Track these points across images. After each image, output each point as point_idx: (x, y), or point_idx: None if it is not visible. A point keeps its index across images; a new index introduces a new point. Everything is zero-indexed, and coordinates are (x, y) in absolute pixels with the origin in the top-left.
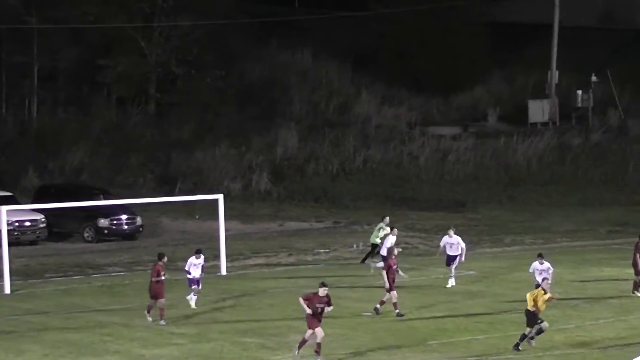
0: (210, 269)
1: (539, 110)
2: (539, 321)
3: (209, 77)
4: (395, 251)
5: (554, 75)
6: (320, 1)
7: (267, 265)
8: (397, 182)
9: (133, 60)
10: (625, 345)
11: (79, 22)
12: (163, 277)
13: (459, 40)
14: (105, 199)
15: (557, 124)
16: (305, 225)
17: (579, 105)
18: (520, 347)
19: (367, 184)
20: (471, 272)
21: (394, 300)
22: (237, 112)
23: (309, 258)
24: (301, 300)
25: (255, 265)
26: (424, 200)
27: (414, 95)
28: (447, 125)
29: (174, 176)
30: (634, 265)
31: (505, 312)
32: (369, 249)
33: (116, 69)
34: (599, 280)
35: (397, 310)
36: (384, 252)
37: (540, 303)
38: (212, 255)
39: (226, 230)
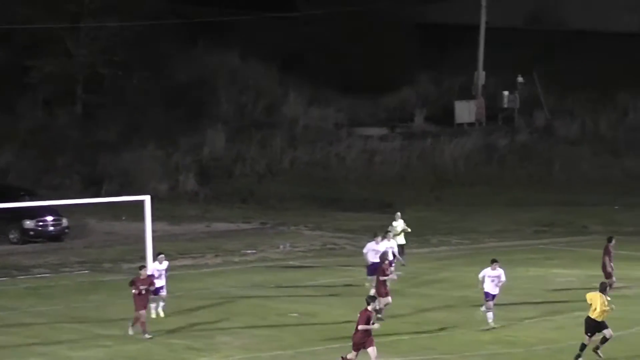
0: (136, 270)
1: (465, 111)
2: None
3: (136, 78)
4: (390, 256)
5: (481, 76)
6: (248, 2)
7: (194, 266)
8: (324, 182)
9: (60, 61)
10: (551, 345)
11: (6, 23)
12: (142, 289)
13: (386, 42)
14: (31, 200)
15: (484, 124)
16: (232, 226)
17: (506, 106)
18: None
19: (294, 184)
20: (398, 273)
21: (382, 306)
22: (164, 113)
23: (236, 259)
24: (366, 327)
25: (182, 266)
26: (351, 201)
27: (341, 96)
28: (374, 126)
29: (100, 177)
30: (603, 268)
31: (432, 312)
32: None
33: (43, 70)
34: (526, 281)
35: (379, 315)
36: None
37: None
38: (139, 257)
39: (153, 231)
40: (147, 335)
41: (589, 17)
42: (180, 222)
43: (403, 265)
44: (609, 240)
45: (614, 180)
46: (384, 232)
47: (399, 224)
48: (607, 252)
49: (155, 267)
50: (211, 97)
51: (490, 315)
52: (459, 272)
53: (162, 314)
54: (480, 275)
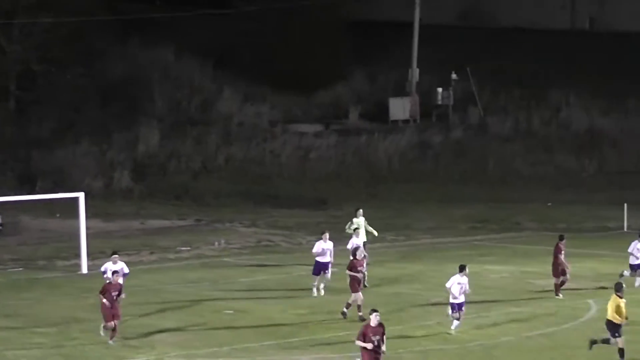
0: (70, 267)
1: (400, 108)
2: (617, 334)
3: (70, 74)
4: (362, 252)
5: (415, 73)
6: None
7: (129, 263)
8: (259, 179)
9: None
10: (485, 341)
11: None
12: (113, 295)
13: (321, 38)
14: None
15: (418, 121)
16: (167, 223)
17: (440, 102)
18: None
19: (229, 181)
20: (334, 270)
21: (359, 303)
22: (98, 109)
23: (171, 256)
24: (359, 343)
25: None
26: (286, 198)
27: (276, 93)
28: (309, 122)
29: (34, 174)
30: (554, 267)
31: (367, 308)
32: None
33: None
34: None
35: (360, 313)
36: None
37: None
38: (73, 254)
39: (87, 228)
40: (110, 341)
41: (522, 15)
42: (115, 219)
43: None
44: (560, 238)
45: (547, 177)
46: (327, 229)
47: (360, 221)
48: (557, 250)
49: (109, 267)
50: (145, 93)
51: (456, 323)
52: (393, 268)
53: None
54: (449, 284)
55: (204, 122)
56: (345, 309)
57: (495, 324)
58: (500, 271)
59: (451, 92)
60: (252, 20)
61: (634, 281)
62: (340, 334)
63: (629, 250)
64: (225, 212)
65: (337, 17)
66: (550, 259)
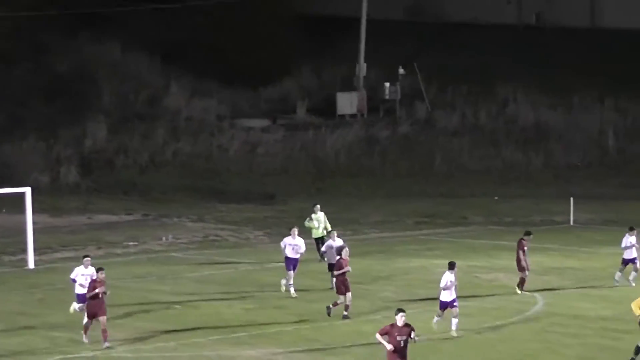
0: (17, 262)
1: (347, 103)
2: None
3: (17, 69)
4: (346, 251)
5: (362, 68)
6: None
7: (76, 258)
8: (206, 174)
9: None
10: (433, 335)
11: None
12: (98, 292)
13: (269, 33)
14: None
15: (365, 116)
16: (114, 218)
17: (387, 97)
18: None
19: (176, 176)
20: (281, 264)
21: (348, 302)
22: (45, 104)
23: (119, 251)
24: (378, 336)
25: (64, 258)
26: (234, 193)
27: (223, 87)
28: (257, 117)
29: None
30: (518, 262)
31: (315, 303)
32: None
33: None
34: (407, 272)
35: (345, 313)
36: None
37: None
38: (20, 249)
39: (34, 223)
40: (85, 340)
41: (469, 10)
42: (62, 214)
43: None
44: (527, 234)
45: (494, 171)
46: (295, 225)
47: (319, 216)
48: (520, 246)
49: (80, 272)
50: (93, 88)
51: (436, 319)
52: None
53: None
54: (442, 283)
55: (152, 117)
56: (331, 306)
57: (442, 319)
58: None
59: (398, 87)
60: (199, 15)
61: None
62: (288, 328)
63: (622, 246)
64: (172, 206)
65: (285, 12)
66: (501, 253)
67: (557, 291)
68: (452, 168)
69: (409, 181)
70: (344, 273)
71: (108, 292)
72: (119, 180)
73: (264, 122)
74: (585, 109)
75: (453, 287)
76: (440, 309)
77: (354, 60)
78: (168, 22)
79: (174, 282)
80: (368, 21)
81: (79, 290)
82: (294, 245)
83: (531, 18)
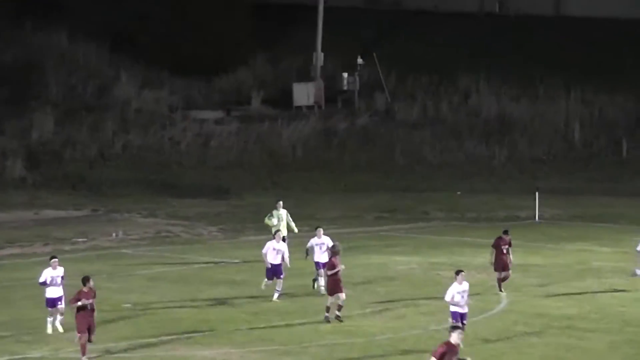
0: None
1: (304, 94)
2: None
3: None
4: (338, 247)
5: (320, 58)
6: None
7: (22, 255)
8: (158, 168)
9: None
10: (392, 334)
11: None
12: (82, 304)
13: (222, 21)
14: None
15: (323, 107)
16: (62, 213)
17: (345, 88)
18: None
19: (126, 170)
20: (235, 261)
21: (341, 303)
22: None
23: (67, 248)
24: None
25: (10, 255)
26: (186, 187)
27: (175, 78)
28: (210, 109)
29: None
30: (496, 261)
31: (270, 301)
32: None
33: None
34: (367, 268)
35: (337, 312)
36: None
37: None
38: None
39: None
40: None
41: None
42: (7, 209)
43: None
44: (505, 233)
45: (456, 164)
46: (279, 229)
47: (282, 214)
48: (496, 245)
49: (49, 274)
50: (39, 78)
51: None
52: (296, 260)
53: (60, 329)
54: (449, 296)
55: (100, 108)
56: (338, 313)
57: (402, 317)
58: (408, 262)
59: (357, 77)
60: (149, 2)
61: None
62: (243, 327)
63: (638, 248)
64: (122, 201)
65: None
66: (463, 250)
67: (521, 289)
68: (413, 161)
69: (368, 175)
70: (336, 272)
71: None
72: (67, 174)
73: (217, 114)
74: (551, 100)
75: (465, 300)
76: (454, 320)
77: (311, 50)
78: (117, 8)
79: (125, 280)
80: (325, 9)
81: (50, 294)
82: (278, 250)
83: (494, 6)
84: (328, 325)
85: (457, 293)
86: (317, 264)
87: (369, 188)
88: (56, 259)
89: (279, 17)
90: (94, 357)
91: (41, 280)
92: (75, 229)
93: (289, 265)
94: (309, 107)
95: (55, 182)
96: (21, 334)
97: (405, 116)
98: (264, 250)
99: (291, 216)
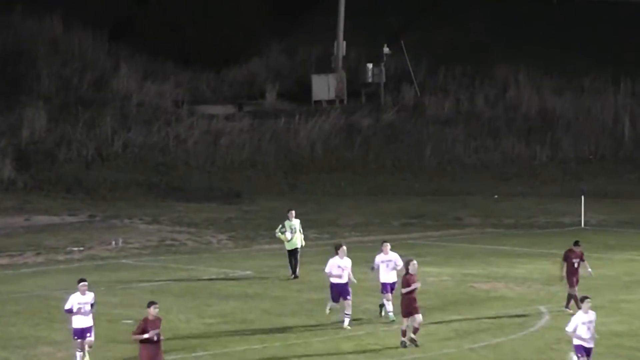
0: None
1: (324, 87)
2: None
3: None
4: (414, 265)
5: (341, 47)
6: None
7: (12, 266)
8: (162, 169)
9: None
10: (421, 354)
11: None
12: (148, 336)
13: (233, 7)
14: None
15: (345, 102)
16: (56, 219)
17: (370, 80)
18: None
19: (127, 171)
20: (247, 272)
21: (417, 325)
22: None
23: (61, 257)
24: None
25: None
26: (193, 190)
27: (181, 69)
28: (220, 103)
29: None
30: (568, 275)
31: (285, 317)
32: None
33: None
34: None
35: (412, 335)
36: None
37: None
38: None
39: None
40: None
41: None
42: None
43: (295, 277)
44: (576, 244)
45: (493, 165)
46: (341, 244)
47: (294, 224)
48: (566, 257)
49: (76, 301)
50: (30, 70)
51: None
52: (316, 271)
53: None
54: (571, 327)
55: (98, 103)
56: (413, 336)
57: (432, 334)
58: (439, 273)
59: (383, 69)
60: None
61: None
62: (256, 346)
63: None
64: (123, 206)
65: None
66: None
67: (564, 303)
68: (444, 162)
69: (395, 177)
70: (412, 291)
71: (162, 337)
72: (61, 175)
73: (227, 109)
74: (598, 93)
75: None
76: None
77: (332, 38)
78: None
79: (125, 292)
80: None
81: (77, 323)
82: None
83: None
84: (350, 344)
85: (581, 324)
86: (383, 285)
87: (395, 191)
88: (85, 283)
89: (296, 2)
90: None
91: (67, 307)
92: (70, 237)
93: (355, 281)
94: (330, 102)
95: (48, 185)
96: (10, 353)
97: (436, 111)
98: (327, 270)
99: (310, 222)
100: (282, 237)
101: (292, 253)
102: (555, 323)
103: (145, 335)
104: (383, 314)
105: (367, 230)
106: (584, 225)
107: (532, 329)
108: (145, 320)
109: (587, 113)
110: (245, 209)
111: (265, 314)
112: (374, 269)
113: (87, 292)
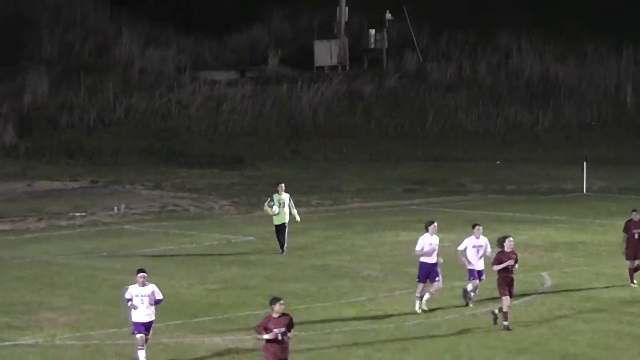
0: None
1: (326, 53)
2: None
3: None
4: (510, 241)
5: (344, 13)
6: None
7: (14, 231)
8: (164, 135)
9: None
10: (423, 319)
11: None
12: (277, 333)
13: None
14: None
15: (347, 68)
16: (57, 185)
17: (372, 46)
18: None
19: (129, 137)
20: (249, 238)
21: (505, 309)
22: None
23: (63, 223)
24: None
25: (0, 231)
26: (196, 156)
27: (183, 35)
28: (222, 69)
29: None
30: (628, 248)
31: (288, 283)
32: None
33: None
34: (395, 247)
35: (505, 323)
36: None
37: None
38: None
39: None
40: None
41: None
42: None
43: (282, 252)
44: (634, 212)
45: (495, 131)
46: (432, 222)
47: (284, 198)
48: (626, 228)
49: (134, 293)
50: (32, 36)
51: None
52: (318, 237)
53: None
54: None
55: (100, 69)
56: (497, 311)
57: (434, 300)
58: (442, 240)
59: (385, 35)
60: None
61: None
62: (258, 312)
63: None
64: (125, 172)
65: None
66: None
67: (566, 269)
68: (447, 128)
69: (397, 143)
70: (508, 270)
71: (290, 335)
72: (63, 141)
73: (230, 75)
74: (600, 60)
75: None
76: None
77: (334, 4)
78: None
79: (127, 258)
80: None
81: (137, 317)
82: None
83: None
84: (352, 310)
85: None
86: (470, 271)
87: (397, 157)
88: (143, 274)
89: None
90: (93, 344)
91: (126, 296)
92: (72, 203)
93: (442, 261)
94: (332, 68)
95: (50, 151)
96: (12, 318)
97: (438, 78)
98: (417, 248)
99: (312, 189)
100: (269, 210)
101: (280, 229)
102: (556, 289)
103: (266, 336)
104: (470, 303)
105: (370, 197)
106: (586, 191)
107: (534, 295)
108: (268, 318)
109: (589, 79)
110: (247, 174)
111: (267, 280)
112: (463, 252)
113: (146, 283)
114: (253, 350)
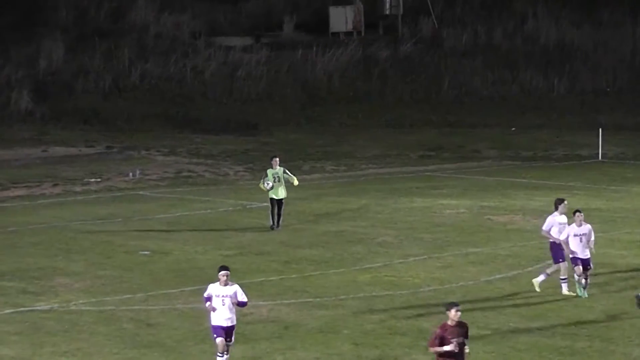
0: None
1: (341, 18)
2: None
3: None
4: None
5: None
6: None
7: (29, 197)
8: (179, 100)
9: None
10: (438, 286)
11: None
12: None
13: None
14: None
15: (362, 33)
16: (73, 150)
17: (387, 12)
18: None
19: (144, 102)
20: (264, 204)
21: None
22: None
23: (78, 189)
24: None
25: (16, 197)
26: (211, 122)
27: (198, 0)
28: (237, 35)
29: None
30: None
31: (302, 249)
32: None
33: None
34: (409, 213)
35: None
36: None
37: None
38: None
39: None
40: None
41: None
42: (13, 146)
43: (272, 229)
44: None
45: (510, 97)
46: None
47: (277, 172)
48: None
49: (214, 292)
50: (47, 1)
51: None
52: (332, 203)
53: None
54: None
55: (115, 34)
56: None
57: (449, 267)
58: (456, 206)
59: (400, 0)
60: None
61: None
62: (273, 278)
63: None
64: (140, 138)
65: None
66: (517, 193)
67: None
68: (462, 94)
69: (412, 109)
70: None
71: (467, 345)
72: (78, 107)
73: (245, 41)
74: (616, 26)
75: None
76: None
77: None
78: None
79: (142, 224)
80: None
81: (216, 319)
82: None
83: None
84: (367, 276)
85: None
86: (574, 260)
87: (412, 123)
88: (225, 272)
89: None
90: (108, 310)
91: (205, 295)
92: (87, 168)
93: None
94: (347, 34)
95: (66, 116)
96: (27, 284)
97: (454, 43)
98: (544, 227)
99: (327, 155)
100: (262, 187)
101: (277, 203)
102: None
103: (446, 348)
104: (582, 293)
105: (384, 163)
106: (602, 157)
107: (548, 261)
108: (444, 326)
109: (605, 45)
110: (262, 140)
111: (282, 246)
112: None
113: (229, 282)
114: (267, 316)
